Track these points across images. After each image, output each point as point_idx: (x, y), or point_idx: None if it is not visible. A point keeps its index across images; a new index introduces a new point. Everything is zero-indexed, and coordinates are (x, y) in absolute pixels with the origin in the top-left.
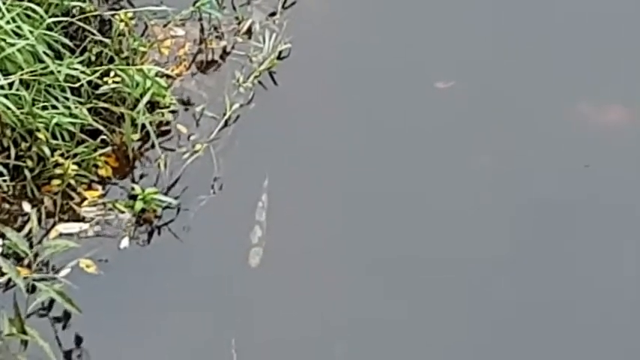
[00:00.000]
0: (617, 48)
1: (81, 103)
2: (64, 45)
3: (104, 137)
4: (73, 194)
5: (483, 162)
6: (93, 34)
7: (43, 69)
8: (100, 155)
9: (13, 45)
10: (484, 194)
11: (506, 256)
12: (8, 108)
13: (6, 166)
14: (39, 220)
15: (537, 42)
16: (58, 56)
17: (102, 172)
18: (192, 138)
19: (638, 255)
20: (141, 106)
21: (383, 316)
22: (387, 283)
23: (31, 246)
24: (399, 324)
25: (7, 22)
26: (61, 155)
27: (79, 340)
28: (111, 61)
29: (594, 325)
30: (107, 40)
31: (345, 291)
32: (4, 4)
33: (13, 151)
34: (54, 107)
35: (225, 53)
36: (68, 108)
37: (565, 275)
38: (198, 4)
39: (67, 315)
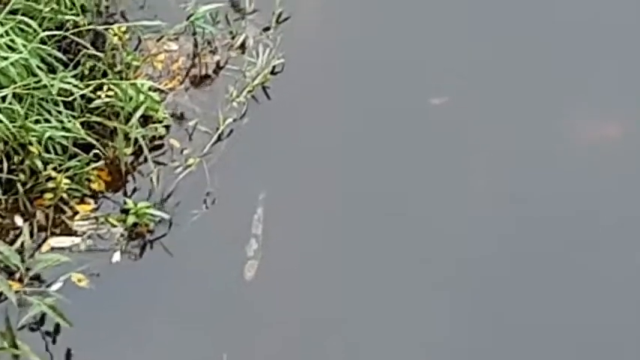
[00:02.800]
0: (613, 63)
1: (74, 116)
2: (57, 59)
3: (97, 151)
4: (66, 208)
5: (479, 177)
6: (86, 47)
7: (36, 82)
8: (93, 169)
9: (6, 58)
10: (479, 208)
11: (502, 272)
12: (1, 121)
13: None
14: (31, 234)
15: (532, 57)
16: (52, 70)
17: (94, 186)
18: (185, 152)
19: (638, 268)
20: (134, 120)
21: (380, 331)
22: (384, 297)
23: (22, 260)
24: (395, 338)
25: (1, 36)
26: (54, 169)
27: (70, 355)
28: (104, 75)
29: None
30: (100, 54)
31: (341, 305)
32: None
33: (5, 165)
34: (47, 121)
35: (218, 68)
36: (61, 122)
37: (564, 291)
38: (192, 19)
39: (58, 329)
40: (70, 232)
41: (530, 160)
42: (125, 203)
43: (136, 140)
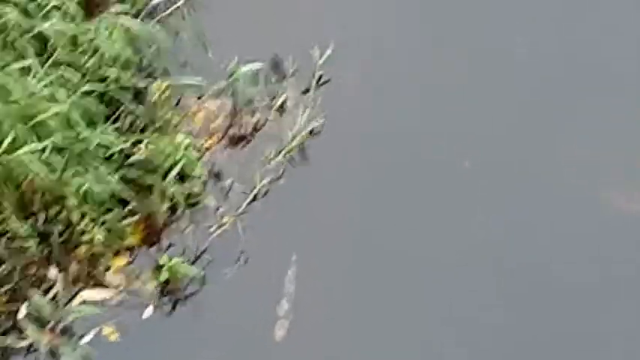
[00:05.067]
0: None
1: (112, 170)
2: (97, 112)
3: (133, 206)
4: (100, 261)
5: (504, 242)
6: (127, 102)
7: (76, 135)
8: (129, 223)
9: (47, 110)
10: (503, 273)
11: (523, 336)
12: (40, 173)
13: (35, 229)
14: (64, 286)
15: (565, 129)
16: (92, 123)
17: (129, 240)
18: (220, 211)
19: None
20: (171, 176)
21: None
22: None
23: (55, 310)
24: None
25: (44, 87)
26: (90, 222)
27: None
28: (143, 130)
29: None
30: (141, 110)
31: None
32: (42, 69)
33: (42, 216)
34: (85, 173)
35: (257, 128)
36: (99, 175)
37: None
38: (232, 79)
39: None
40: (103, 285)
41: (555, 224)
42: (159, 259)
43: (173, 196)
